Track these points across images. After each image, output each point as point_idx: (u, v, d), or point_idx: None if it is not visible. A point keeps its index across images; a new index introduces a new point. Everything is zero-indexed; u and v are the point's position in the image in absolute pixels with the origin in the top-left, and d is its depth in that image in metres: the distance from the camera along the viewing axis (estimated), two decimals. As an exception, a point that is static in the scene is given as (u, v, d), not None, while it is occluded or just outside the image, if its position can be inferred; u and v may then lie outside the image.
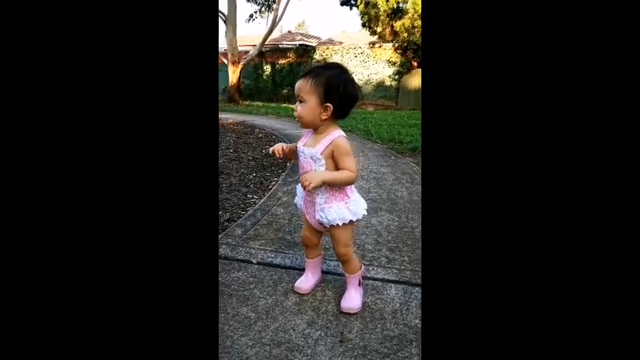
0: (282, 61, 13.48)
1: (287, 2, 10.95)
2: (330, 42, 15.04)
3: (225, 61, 11.19)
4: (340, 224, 1.13)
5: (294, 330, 1.09)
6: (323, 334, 1.07)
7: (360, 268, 1.23)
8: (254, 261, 1.50)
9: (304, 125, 1.13)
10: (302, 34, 16.95)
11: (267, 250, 1.59)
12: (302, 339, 1.05)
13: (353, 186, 1.17)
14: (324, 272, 1.37)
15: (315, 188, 1.07)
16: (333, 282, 1.34)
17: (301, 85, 1.08)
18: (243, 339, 1.04)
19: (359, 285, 1.22)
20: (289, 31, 18.19)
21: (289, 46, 13.81)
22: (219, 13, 10.70)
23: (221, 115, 7.44)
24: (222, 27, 10.81)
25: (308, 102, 1.07)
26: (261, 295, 1.26)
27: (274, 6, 11.27)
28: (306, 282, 1.29)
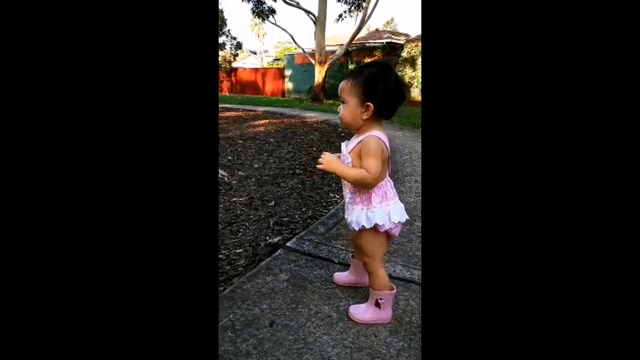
0: (368, 60, 13.41)
1: (377, 0, 10.83)
2: (420, 39, 14.49)
3: (313, 61, 11.54)
4: (357, 228, 1.09)
5: (375, 336, 1.07)
6: (406, 345, 1.03)
7: (386, 289, 1.12)
8: (335, 260, 1.51)
9: (346, 126, 1.10)
10: (390, 32, 16.63)
11: (348, 250, 1.59)
12: (384, 347, 1.02)
13: (384, 193, 1.08)
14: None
15: (323, 170, 1.05)
16: (417, 292, 1.29)
17: (343, 86, 1.07)
18: (324, 337, 1.06)
19: (376, 305, 1.12)
20: (377, 29, 18.00)
21: (376, 45, 13.67)
22: (310, 14, 11.05)
23: (305, 114, 7.69)
24: (311, 28, 11.14)
25: (349, 103, 1.05)
26: (342, 296, 1.26)
27: (364, 5, 11.24)
28: (343, 276, 1.34)
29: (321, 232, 1.78)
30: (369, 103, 1.02)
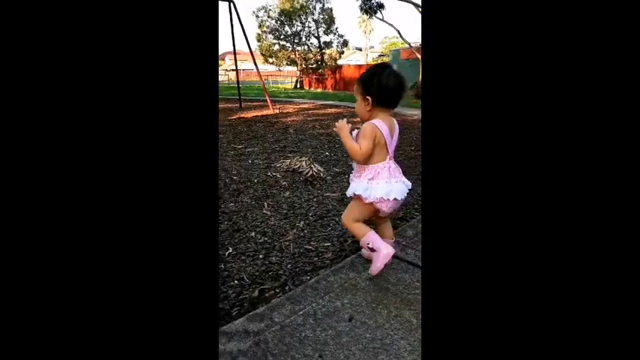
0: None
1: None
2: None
3: (419, 55, 11.10)
4: (348, 195, 1.38)
5: (456, 351, 1.02)
6: (490, 367, 0.96)
7: (365, 234, 1.34)
8: (422, 265, 1.47)
9: (360, 118, 1.35)
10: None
11: (437, 257, 1.53)
12: (464, 364, 0.97)
13: (377, 172, 1.31)
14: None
15: (336, 130, 1.36)
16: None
17: (354, 86, 1.36)
18: (402, 342, 1.05)
19: (372, 251, 1.32)
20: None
21: (492, 36, 12.44)
22: (416, 6, 10.63)
23: (407, 112, 7.48)
24: (420, 21, 10.71)
25: (357, 99, 1.34)
26: (425, 304, 1.23)
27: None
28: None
29: (409, 236, 1.74)
30: (367, 97, 1.29)
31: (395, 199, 1.31)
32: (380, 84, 1.27)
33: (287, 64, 23.44)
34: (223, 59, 39.67)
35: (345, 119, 1.37)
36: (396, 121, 1.37)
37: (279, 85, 26.45)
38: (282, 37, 22.11)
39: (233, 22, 7.48)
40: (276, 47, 22.33)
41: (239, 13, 7.25)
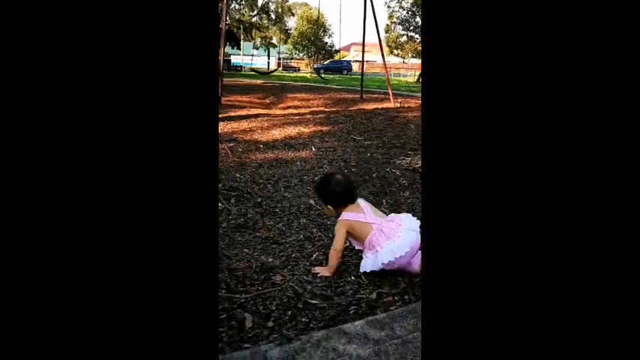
0: None
1: None
2: None
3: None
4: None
5: None
6: None
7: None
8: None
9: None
10: None
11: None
12: None
13: (370, 244, 1.41)
14: None
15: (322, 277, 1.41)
16: None
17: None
18: None
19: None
20: None
21: None
22: None
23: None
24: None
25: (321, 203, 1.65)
26: None
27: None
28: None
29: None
30: (328, 206, 1.53)
31: (407, 251, 1.35)
32: (328, 195, 1.51)
33: (412, 57, 22.64)
34: (348, 50, 40.52)
35: (315, 269, 1.45)
36: (361, 201, 1.52)
37: (401, 78, 25.78)
38: (411, 28, 21.37)
39: (366, 13, 7.47)
40: (404, 39, 21.73)
41: (373, 3, 7.20)
